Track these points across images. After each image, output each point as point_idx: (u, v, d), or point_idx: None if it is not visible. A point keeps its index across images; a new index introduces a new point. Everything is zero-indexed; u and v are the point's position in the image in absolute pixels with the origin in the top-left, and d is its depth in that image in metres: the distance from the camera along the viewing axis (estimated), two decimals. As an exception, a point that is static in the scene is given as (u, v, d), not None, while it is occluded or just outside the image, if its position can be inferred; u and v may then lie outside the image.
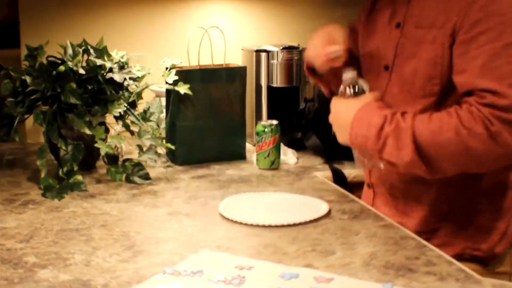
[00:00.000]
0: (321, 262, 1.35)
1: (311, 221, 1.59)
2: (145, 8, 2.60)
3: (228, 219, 1.62)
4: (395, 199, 1.72)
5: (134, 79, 2.06)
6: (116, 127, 2.11)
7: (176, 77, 2.12)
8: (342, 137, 1.62)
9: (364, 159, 1.64)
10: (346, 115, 1.59)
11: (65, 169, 1.91)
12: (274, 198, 1.80)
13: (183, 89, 2.09)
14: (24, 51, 2.49)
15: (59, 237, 1.52)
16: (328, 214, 1.64)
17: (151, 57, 2.45)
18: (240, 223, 1.58)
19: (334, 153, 2.20)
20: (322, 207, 1.68)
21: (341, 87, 1.66)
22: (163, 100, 2.26)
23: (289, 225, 1.57)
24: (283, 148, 2.20)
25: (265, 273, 1.29)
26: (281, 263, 1.34)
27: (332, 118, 1.65)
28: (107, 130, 2.03)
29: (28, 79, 2.00)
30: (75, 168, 1.91)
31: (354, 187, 2.02)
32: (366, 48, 1.79)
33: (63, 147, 1.92)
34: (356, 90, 1.63)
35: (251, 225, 1.57)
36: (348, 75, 1.63)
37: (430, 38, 1.55)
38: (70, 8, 2.54)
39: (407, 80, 1.62)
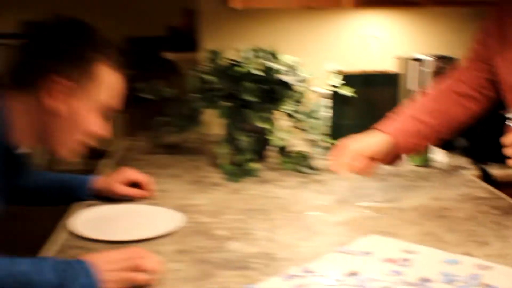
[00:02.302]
0: (479, 251, 1.34)
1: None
2: (311, 18, 2.64)
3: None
4: None
5: (301, 81, 2.10)
6: (284, 123, 2.15)
7: (340, 80, 2.14)
8: None
9: None
10: None
11: (242, 157, 1.97)
12: None
13: (346, 91, 2.11)
14: (203, 54, 2.61)
15: (244, 215, 1.59)
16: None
17: (314, 62, 2.49)
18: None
19: (482, 153, 2.15)
20: None
21: None
22: (326, 101, 2.29)
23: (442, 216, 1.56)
24: (434, 148, 2.17)
25: (429, 257, 1.30)
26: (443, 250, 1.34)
27: None
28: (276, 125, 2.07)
29: (211, 78, 2.09)
30: (251, 156, 1.98)
31: (504, 187, 1.95)
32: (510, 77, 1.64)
33: (242, 138, 1.98)
34: None
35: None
36: None
37: None
38: (245, 18, 2.62)
39: None
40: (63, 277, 1.11)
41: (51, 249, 1.36)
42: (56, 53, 1.33)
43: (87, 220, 1.53)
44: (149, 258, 1.19)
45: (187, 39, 4.64)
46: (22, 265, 1.11)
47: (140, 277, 1.15)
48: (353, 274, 1.20)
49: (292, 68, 2.12)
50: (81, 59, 1.34)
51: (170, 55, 4.60)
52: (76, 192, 1.70)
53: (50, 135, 1.37)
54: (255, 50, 2.14)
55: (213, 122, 2.47)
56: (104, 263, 1.15)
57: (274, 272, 1.22)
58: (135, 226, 1.51)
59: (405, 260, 1.28)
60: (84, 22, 1.38)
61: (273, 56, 2.13)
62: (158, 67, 5.69)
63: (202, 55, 2.67)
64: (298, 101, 2.09)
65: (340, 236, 1.43)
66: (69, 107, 1.33)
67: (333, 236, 1.44)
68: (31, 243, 1.66)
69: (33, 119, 1.34)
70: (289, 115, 2.08)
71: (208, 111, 2.13)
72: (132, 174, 1.74)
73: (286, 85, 2.07)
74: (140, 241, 1.40)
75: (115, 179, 1.71)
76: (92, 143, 1.42)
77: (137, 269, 1.16)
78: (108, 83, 1.38)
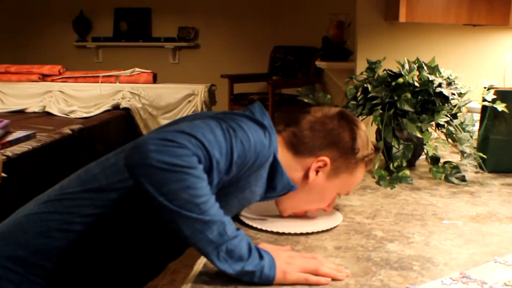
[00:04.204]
0: None
1: None
2: (467, 34, 2.57)
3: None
4: None
5: (459, 94, 2.05)
6: (437, 133, 2.10)
7: (494, 96, 2.06)
8: None
9: None
10: None
11: (395, 164, 1.95)
12: None
13: (500, 107, 2.03)
14: (358, 64, 2.61)
15: (398, 219, 1.57)
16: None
17: (469, 76, 2.42)
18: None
19: None
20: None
21: None
22: (475, 115, 2.22)
23: None
24: None
25: None
26: None
27: None
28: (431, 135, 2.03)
29: (369, 87, 2.08)
30: (404, 164, 1.96)
31: None
32: None
33: (396, 146, 1.96)
34: None
35: None
36: None
37: None
38: (403, 31, 2.59)
39: None
40: (252, 256, 1.16)
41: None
42: (338, 142, 1.43)
43: (252, 212, 1.57)
44: (328, 264, 1.21)
45: (338, 49, 4.68)
46: (230, 224, 1.17)
47: (314, 279, 1.18)
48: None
49: (449, 81, 2.08)
50: (352, 156, 1.44)
51: (321, 64, 4.63)
52: None
53: (290, 197, 1.47)
54: (413, 62, 2.12)
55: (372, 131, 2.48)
56: (286, 262, 1.19)
57: (433, 275, 1.21)
58: (296, 220, 1.54)
59: None
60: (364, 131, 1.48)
61: (433, 69, 2.09)
62: (306, 74, 5.76)
63: (357, 65, 2.68)
64: (453, 114, 2.04)
65: (495, 247, 1.39)
66: (322, 186, 1.45)
67: (488, 246, 1.39)
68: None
69: (295, 174, 1.44)
70: (442, 126, 2.03)
71: (362, 117, 2.13)
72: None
73: (444, 98, 2.02)
74: (301, 234, 1.43)
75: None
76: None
77: (315, 272, 1.18)
78: (358, 179, 1.49)
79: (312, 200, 1.49)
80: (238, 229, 1.18)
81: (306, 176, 1.43)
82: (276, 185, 1.41)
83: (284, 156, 1.42)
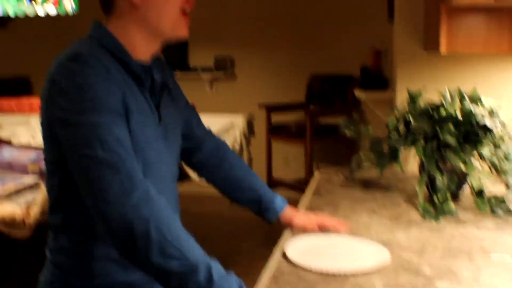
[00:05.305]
0: None
1: None
2: (509, 63, 2.55)
3: None
4: None
5: (502, 125, 2.03)
6: (481, 165, 2.08)
7: (537, 124, 2.05)
8: None
9: None
10: None
11: (439, 196, 1.94)
12: None
13: (541, 135, 2.01)
14: (398, 94, 2.61)
15: (446, 254, 1.56)
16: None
17: (509, 106, 2.40)
18: None
19: None
20: None
21: None
22: (517, 144, 2.19)
23: None
24: None
25: None
26: None
27: None
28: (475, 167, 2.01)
29: (411, 118, 2.08)
30: (448, 196, 1.94)
31: None
32: None
33: (439, 178, 1.95)
34: None
35: None
36: None
37: None
38: (443, 61, 2.58)
39: None
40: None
41: (268, 271, 1.43)
42: None
43: (299, 248, 1.58)
44: None
45: (376, 78, 4.68)
46: (216, 265, 1.24)
47: None
48: None
49: (492, 112, 2.06)
50: None
51: (360, 94, 4.64)
52: (265, 211, 1.76)
53: (149, 23, 1.38)
54: (455, 93, 2.11)
55: (406, 160, 2.47)
56: None
57: (485, 314, 1.20)
58: (344, 258, 1.54)
59: None
60: None
61: (475, 99, 2.08)
62: (343, 103, 5.76)
63: (397, 95, 2.68)
64: (496, 145, 2.03)
65: (547, 283, 1.37)
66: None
67: (540, 282, 1.37)
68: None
69: (132, 25, 1.38)
70: (486, 158, 2.01)
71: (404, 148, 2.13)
72: (329, 220, 1.77)
73: (486, 129, 2.01)
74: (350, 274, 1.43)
75: (312, 219, 1.75)
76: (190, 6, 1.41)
77: None
78: None
79: (156, 5, 1.37)
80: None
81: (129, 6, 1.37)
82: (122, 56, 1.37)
83: (114, 26, 1.39)
